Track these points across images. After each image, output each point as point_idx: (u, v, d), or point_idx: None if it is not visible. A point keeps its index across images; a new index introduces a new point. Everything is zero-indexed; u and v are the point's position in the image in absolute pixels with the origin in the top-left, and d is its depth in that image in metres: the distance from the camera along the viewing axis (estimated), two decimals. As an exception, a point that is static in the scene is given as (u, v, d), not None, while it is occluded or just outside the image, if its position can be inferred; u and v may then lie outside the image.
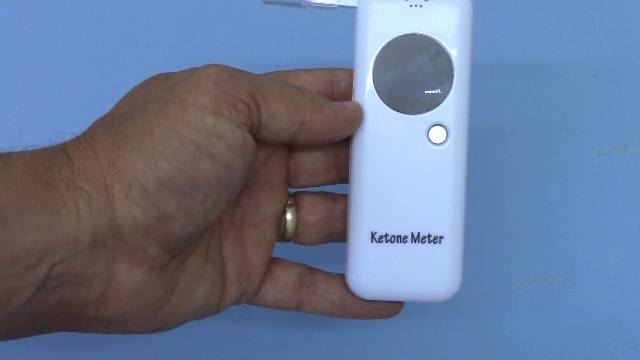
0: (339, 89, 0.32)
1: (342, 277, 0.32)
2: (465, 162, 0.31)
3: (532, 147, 0.44)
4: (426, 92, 0.30)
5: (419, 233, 0.31)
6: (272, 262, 0.32)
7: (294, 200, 0.33)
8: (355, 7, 0.31)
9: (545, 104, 0.45)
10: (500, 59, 0.45)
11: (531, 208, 0.44)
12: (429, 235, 0.31)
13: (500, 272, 0.43)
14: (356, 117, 0.30)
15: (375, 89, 0.30)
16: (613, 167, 0.44)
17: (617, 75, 0.45)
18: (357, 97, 0.31)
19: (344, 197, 0.33)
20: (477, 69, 0.45)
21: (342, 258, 0.32)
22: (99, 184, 0.25)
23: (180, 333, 0.31)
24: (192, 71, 0.27)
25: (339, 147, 0.32)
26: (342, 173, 0.33)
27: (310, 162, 0.32)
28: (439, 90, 0.31)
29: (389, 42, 0.30)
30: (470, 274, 0.43)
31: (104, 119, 0.27)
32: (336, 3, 0.31)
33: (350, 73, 0.32)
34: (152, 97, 0.26)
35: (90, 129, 0.27)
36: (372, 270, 0.31)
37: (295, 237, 0.33)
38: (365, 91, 0.30)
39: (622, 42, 0.45)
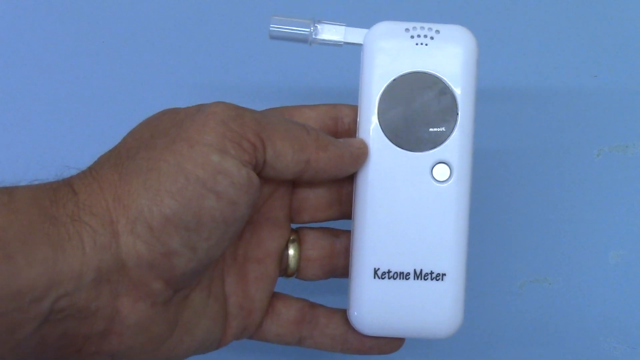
0: (342, 125, 0.32)
1: (343, 313, 0.33)
2: (468, 199, 0.32)
3: (532, 147, 0.44)
4: (431, 129, 0.31)
5: (421, 270, 0.31)
6: (274, 296, 0.33)
7: (297, 236, 0.33)
8: (361, 45, 0.31)
9: (546, 104, 0.45)
10: (502, 57, 0.45)
11: (531, 208, 0.44)
12: (432, 272, 0.31)
13: (500, 272, 0.43)
14: (361, 155, 0.30)
15: (380, 126, 0.31)
16: (613, 167, 0.44)
17: (617, 75, 0.45)
18: (362, 133, 0.31)
19: (347, 233, 0.33)
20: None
21: (343, 292, 0.32)
22: (104, 218, 0.25)
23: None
24: (199, 108, 0.27)
25: (342, 183, 0.32)
26: (344, 209, 0.33)
27: (313, 198, 0.33)
28: (443, 128, 0.31)
29: (394, 80, 0.31)
30: (470, 274, 0.43)
31: (110, 153, 0.27)
32: (342, 40, 0.31)
33: (353, 109, 0.32)
34: (159, 132, 0.27)
35: (96, 163, 0.27)
36: (374, 306, 0.31)
37: (297, 273, 0.33)
38: (370, 128, 0.31)
39: (622, 42, 0.45)
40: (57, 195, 0.25)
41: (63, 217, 0.24)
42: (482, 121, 0.44)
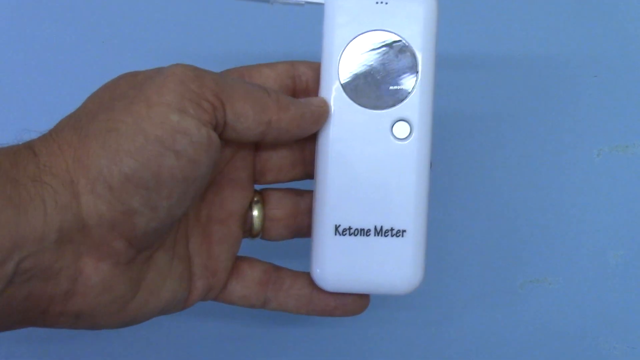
0: (300, 83, 0.32)
1: (307, 275, 0.33)
2: (428, 157, 0.32)
3: (532, 147, 0.44)
4: (391, 87, 0.31)
5: (382, 227, 0.31)
6: (239, 259, 0.33)
7: (260, 197, 0.33)
8: (322, 4, 0.31)
9: (546, 104, 0.45)
10: (505, 55, 0.45)
11: (531, 208, 0.44)
12: (392, 229, 0.31)
13: (500, 272, 0.43)
14: (322, 114, 0.30)
15: (341, 85, 0.31)
16: (613, 167, 0.44)
17: (617, 75, 0.45)
18: (324, 92, 0.31)
19: (310, 193, 0.33)
20: (478, 65, 0.45)
21: (307, 255, 0.32)
22: (65, 179, 0.25)
23: (147, 328, 0.31)
24: (158, 70, 0.27)
25: (305, 143, 0.33)
26: (308, 169, 0.33)
27: (276, 159, 0.33)
28: (403, 87, 0.31)
29: (355, 39, 0.31)
30: (471, 273, 0.43)
31: (70, 117, 0.28)
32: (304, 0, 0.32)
33: (311, 66, 0.32)
34: (118, 95, 0.27)
35: (56, 126, 0.27)
36: (335, 263, 0.31)
37: (262, 233, 0.33)
38: (332, 87, 0.31)
39: (622, 42, 0.45)
40: (18, 158, 0.25)
41: (24, 179, 0.24)
42: (482, 120, 0.44)
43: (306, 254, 0.33)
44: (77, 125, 0.26)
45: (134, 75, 0.28)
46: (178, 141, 0.25)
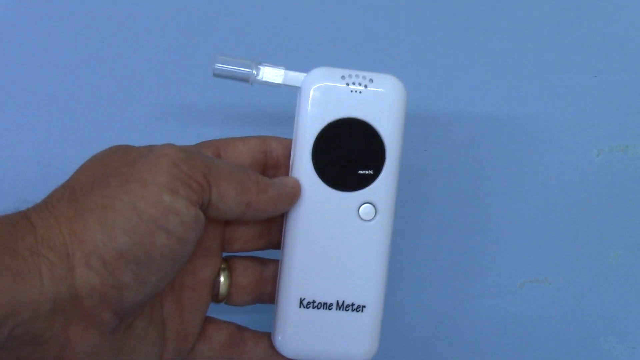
0: (271, 158, 0.34)
1: (268, 336, 0.34)
2: (389, 238, 0.34)
3: (532, 147, 0.44)
4: (359, 172, 0.33)
5: (343, 301, 0.33)
6: (205, 321, 0.34)
7: (227, 264, 0.35)
8: (298, 87, 0.33)
9: (546, 104, 0.45)
10: (505, 52, 0.45)
11: (531, 208, 0.44)
12: (353, 304, 0.33)
13: (500, 272, 0.43)
14: (295, 194, 0.32)
15: (313, 166, 0.33)
16: (613, 167, 0.44)
17: (617, 75, 0.45)
18: (296, 172, 0.33)
19: (274, 262, 0.35)
20: (479, 64, 0.45)
21: (266, 312, 0.34)
22: (61, 252, 0.26)
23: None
24: (150, 149, 0.29)
25: (272, 217, 0.34)
26: (273, 239, 0.35)
27: (245, 230, 0.35)
28: (371, 171, 0.33)
29: (328, 124, 0.33)
30: (471, 273, 0.43)
31: (63, 188, 0.29)
32: (281, 82, 0.34)
33: (281, 142, 0.34)
34: (112, 171, 0.28)
35: (51, 197, 0.28)
36: (297, 333, 0.33)
37: (227, 298, 0.35)
38: (303, 168, 0.33)
39: (622, 42, 0.45)
40: (16, 228, 0.26)
41: (22, 249, 0.25)
42: (482, 120, 0.44)
43: (266, 309, 0.34)
44: (72, 198, 0.27)
45: (126, 151, 0.30)
46: (170, 220, 0.27)
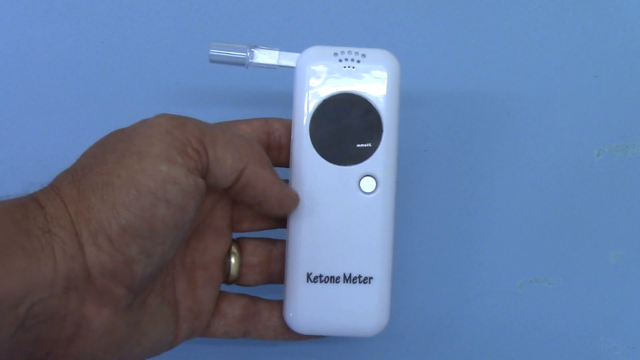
0: (274, 139, 0.35)
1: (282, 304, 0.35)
2: (392, 209, 0.34)
3: (532, 146, 0.44)
4: (358, 145, 0.33)
5: (350, 274, 0.34)
6: (219, 297, 0.35)
7: (237, 245, 0.35)
8: (293, 67, 0.34)
9: (546, 104, 0.45)
10: (504, 52, 0.45)
11: (531, 208, 0.44)
12: (360, 276, 0.34)
13: (500, 272, 0.43)
14: (289, 197, 0.33)
15: (312, 143, 0.33)
16: (613, 167, 0.44)
17: (617, 76, 0.45)
18: (296, 149, 0.34)
19: (283, 242, 0.35)
20: (478, 64, 0.45)
21: (278, 293, 0.34)
22: (70, 231, 0.26)
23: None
24: (143, 122, 0.29)
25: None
26: (280, 218, 0.35)
27: (252, 210, 0.35)
28: (369, 144, 0.34)
29: (324, 100, 0.33)
30: (471, 273, 0.43)
31: (66, 172, 0.29)
32: (276, 63, 0.34)
33: (283, 123, 0.35)
34: (108, 148, 0.28)
35: (56, 180, 0.29)
36: (307, 308, 0.34)
37: (238, 279, 0.35)
38: (303, 144, 0.33)
39: (622, 42, 0.45)
40: (27, 210, 0.27)
41: (35, 229, 0.26)
42: (483, 119, 0.44)
43: (278, 289, 0.35)
44: (74, 178, 0.28)
45: (121, 130, 0.30)
46: (169, 190, 0.27)
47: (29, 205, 0.27)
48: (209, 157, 0.29)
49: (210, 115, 0.35)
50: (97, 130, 0.43)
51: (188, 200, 0.28)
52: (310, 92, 0.33)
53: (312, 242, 0.34)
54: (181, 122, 0.29)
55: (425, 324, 0.43)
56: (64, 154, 0.43)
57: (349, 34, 0.45)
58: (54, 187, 0.28)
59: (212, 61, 0.34)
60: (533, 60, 0.45)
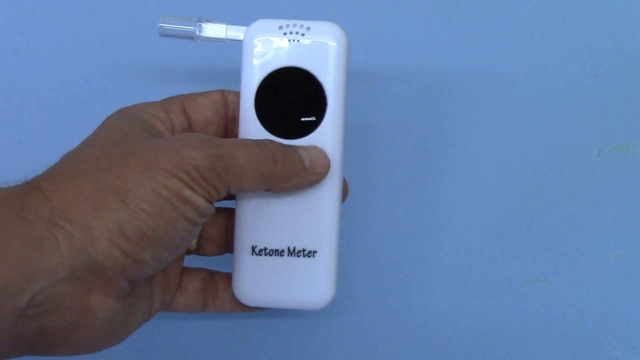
0: (229, 110, 0.35)
1: None
2: (338, 184, 0.34)
3: (532, 146, 0.44)
4: (302, 119, 0.34)
5: (294, 247, 0.34)
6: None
7: None
8: (241, 41, 0.34)
9: (546, 103, 0.45)
10: (503, 56, 0.45)
11: (531, 208, 0.44)
12: (304, 250, 0.34)
13: (500, 272, 0.43)
14: (319, 178, 0.33)
15: (257, 116, 0.34)
16: (613, 167, 0.44)
17: (617, 75, 0.45)
18: (242, 123, 0.34)
19: None
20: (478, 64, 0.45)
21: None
22: (81, 224, 0.27)
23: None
24: (174, 143, 0.30)
25: None
26: None
27: None
28: (313, 118, 0.34)
29: (269, 74, 0.34)
30: (471, 273, 0.43)
31: (75, 160, 0.29)
32: (224, 37, 0.35)
33: (237, 95, 0.35)
34: (131, 152, 0.29)
35: (64, 167, 0.29)
36: (253, 280, 0.34)
37: (197, 250, 0.36)
38: (248, 117, 0.34)
39: (622, 42, 0.45)
40: (28, 199, 0.27)
41: (36, 220, 0.26)
42: (486, 122, 0.44)
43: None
44: (89, 171, 0.28)
45: (144, 127, 0.32)
46: (188, 211, 0.29)
47: (31, 195, 0.27)
48: (231, 189, 0.31)
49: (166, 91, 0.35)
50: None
51: (202, 220, 0.30)
52: (256, 66, 0.33)
53: (257, 216, 0.34)
54: (212, 163, 0.29)
55: (425, 324, 0.43)
56: (64, 154, 0.43)
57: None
58: (62, 177, 0.28)
59: (161, 34, 0.35)
60: (533, 59, 0.45)
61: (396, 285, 0.43)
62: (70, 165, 0.29)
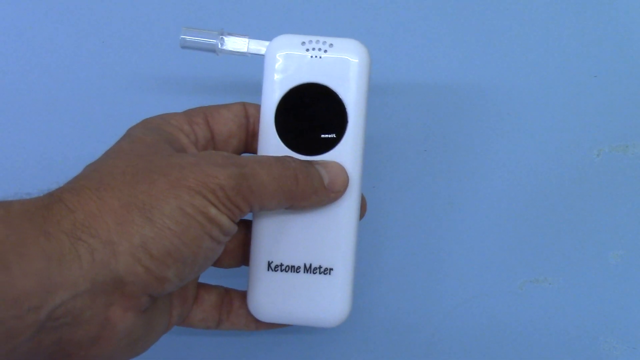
0: (250, 124, 0.35)
1: None
2: (357, 201, 0.34)
3: (532, 146, 0.44)
4: (322, 136, 0.33)
5: (311, 264, 0.34)
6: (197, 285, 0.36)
7: None
8: (263, 55, 0.34)
9: (546, 103, 0.45)
10: (501, 57, 0.45)
11: (531, 208, 0.44)
12: (320, 267, 0.34)
13: (500, 272, 0.43)
14: (337, 196, 0.33)
15: (277, 132, 0.33)
16: (613, 167, 0.44)
17: (617, 75, 0.45)
18: (262, 138, 0.34)
19: None
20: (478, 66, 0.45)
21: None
22: (104, 239, 0.27)
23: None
24: (197, 160, 0.30)
25: None
26: None
27: None
28: (334, 135, 0.33)
29: (289, 90, 0.33)
30: (471, 273, 0.43)
31: (100, 172, 0.29)
32: (246, 51, 0.34)
33: (258, 109, 0.34)
34: (157, 168, 0.29)
35: (87, 180, 0.29)
36: (268, 296, 0.34)
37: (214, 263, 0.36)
38: (268, 133, 0.34)
39: (622, 42, 0.45)
40: (50, 213, 0.27)
41: (58, 233, 0.26)
42: (485, 118, 0.44)
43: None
44: (113, 185, 0.28)
45: (169, 141, 0.31)
46: (214, 231, 0.29)
47: (53, 207, 0.27)
48: (253, 208, 0.31)
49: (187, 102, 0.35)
50: (97, 130, 0.43)
51: (226, 239, 0.30)
52: (277, 81, 0.33)
53: (274, 231, 0.34)
54: (238, 183, 0.29)
55: (425, 324, 0.43)
56: (64, 154, 0.43)
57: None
58: (86, 189, 0.28)
59: (182, 47, 0.35)
60: (533, 59, 0.45)
61: (395, 285, 0.43)
62: (95, 178, 0.29)
